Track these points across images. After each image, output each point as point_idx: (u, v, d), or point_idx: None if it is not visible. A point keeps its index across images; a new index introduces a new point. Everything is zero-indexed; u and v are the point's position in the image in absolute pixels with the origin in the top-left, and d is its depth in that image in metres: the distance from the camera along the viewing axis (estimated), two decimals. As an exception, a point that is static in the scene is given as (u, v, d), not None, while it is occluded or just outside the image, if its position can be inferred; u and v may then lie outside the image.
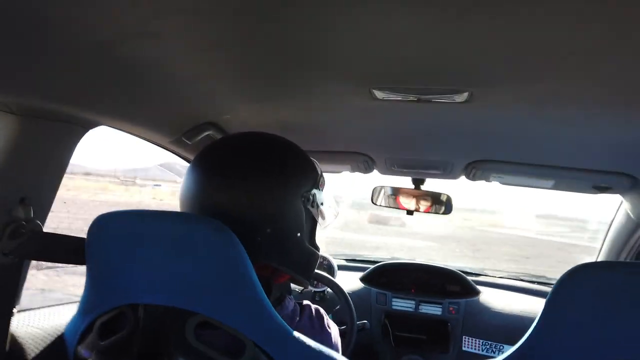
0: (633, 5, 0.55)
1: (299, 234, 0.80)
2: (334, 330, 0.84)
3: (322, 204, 0.85)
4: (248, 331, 0.68)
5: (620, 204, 1.71)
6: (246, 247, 0.69)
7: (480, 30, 0.66)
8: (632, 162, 1.31)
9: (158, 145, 1.31)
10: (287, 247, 0.79)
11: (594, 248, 1.98)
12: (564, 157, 1.41)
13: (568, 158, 1.41)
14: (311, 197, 0.82)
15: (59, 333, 0.97)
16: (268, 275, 0.81)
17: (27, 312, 0.98)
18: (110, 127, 1.08)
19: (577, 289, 0.70)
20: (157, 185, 27.89)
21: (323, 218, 0.86)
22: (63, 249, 0.88)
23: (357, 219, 18.07)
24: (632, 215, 1.60)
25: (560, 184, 1.58)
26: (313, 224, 0.86)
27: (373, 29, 0.69)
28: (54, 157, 0.98)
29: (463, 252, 13.12)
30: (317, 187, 0.84)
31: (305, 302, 0.85)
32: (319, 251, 0.88)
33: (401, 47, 0.75)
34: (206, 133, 1.28)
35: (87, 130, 1.02)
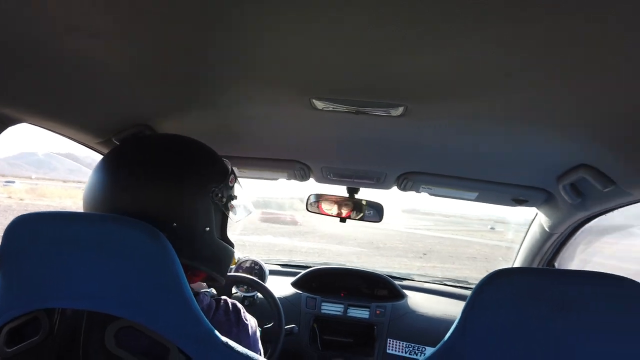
0: (550, 35, 0.60)
1: (207, 229, 0.81)
2: (251, 321, 0.84)
3: (232, 199, 0.86)
4: (173, 336, 0.66)
5: (536, 216, 1.85)
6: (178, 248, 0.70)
7: (416, 49, 0.69)
8: (547, 178, 1.43)
9: (86, 146, 1.24)
10: (196, 241, 0.80)
11: (470, 241, 2.12)
12: (488, 172, 1.50)
13: (491, 172, 1.51)
14: (220, 193, 0.83)
15: None
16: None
17: None
18: (33, 124, 1.00)
19: (494, 293, 0.76)
20: (9, 182, 23.77)
21: (234, 213, 0.88)
22: None
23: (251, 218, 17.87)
24: (545, 226, 1.74)
25: (483, 196, 1.68)
26: (224, 219, 0.87)
27: (312, 40, 0.70)
28: None
29: (364, 252, 13.18)
30: (227, 183, 0.85)
31: (223, 297, 0.84)
32: (233, 247, 0.89)
33: (340, 60, 0.77)
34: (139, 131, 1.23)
35: (6, 127, 0.94)
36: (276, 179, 1.76)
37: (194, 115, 1.20)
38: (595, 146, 1.07)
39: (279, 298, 1.82)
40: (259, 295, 1.97)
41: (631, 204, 1.35)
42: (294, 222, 18.23)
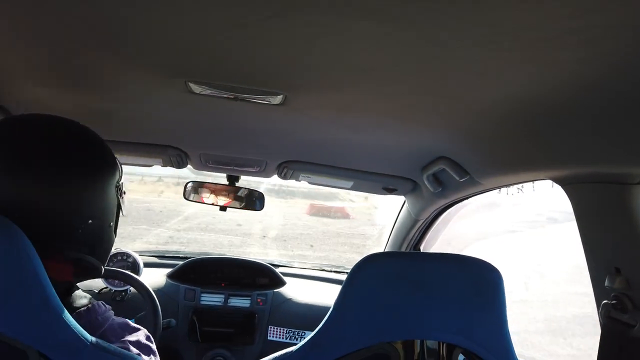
0: (407, 35, 0.65)
1: (111, 223, 0.81)
2: (142, 331, 0.80)
3: (125, 192, 0.86)
4: (32, 340, 0.60)
5: (404, 204, 2.00)
6: (64, 242, 0.69)
7: (292, 37, 0.70)
8: (413, 169, 1.55)
9: None
10: (104, 237, 0.79)
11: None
12: (361, 162, 1.59)
13: (364, 163, 1.60)
14: (122, 187, 0.83)
15: None
16: (70, 274, 0.75)
17: None
18: None
19: (364, 276, 0.83)
20: None
21: (124, 207, 0.87)
22: None
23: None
24: (411, 213, 1.89)
25: (358, 185, 1.78)
26: (118, 212, 0.85)
27: (186, 19, 0.67)
28: None
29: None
30: (121, 177, 0.84)
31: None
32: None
33: (216, 42, 0.75)
34: None
35: None
36: (151, 165, 1.68)
37: (54, 95, 1.09)
38: (453, 140, 1.19)
39: (155, 291, 1.74)
40: (132, 289, 1.86)
41: (482, 192, 1.53)
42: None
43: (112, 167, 0.79)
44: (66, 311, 0.63)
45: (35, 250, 0.62)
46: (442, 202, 1.69)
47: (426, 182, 1.53)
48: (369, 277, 0.83)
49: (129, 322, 0.80)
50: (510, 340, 0.85)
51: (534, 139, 0.98)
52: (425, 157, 1.41)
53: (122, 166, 0.86)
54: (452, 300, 0.82)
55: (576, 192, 1.02)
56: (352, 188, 1.80)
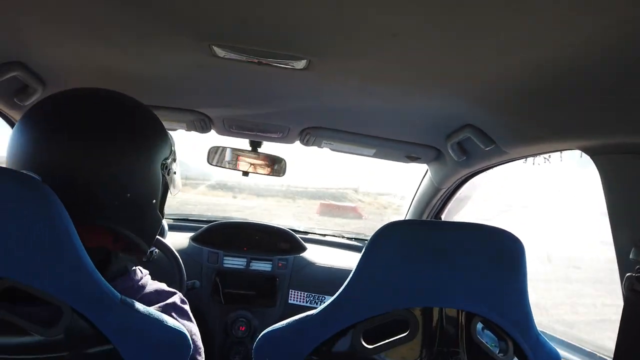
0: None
1: (154, 201, 0.80)
2: (177, 294, 0.83)
3: (175, 172, 0.86)
4: (64, 296, 0.63)
5: (426, 172, 1.98)
6: (97, 210, 0.71)
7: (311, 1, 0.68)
8: (437, 137, 1.53)
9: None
10: (143, 213, 0.79)
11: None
12: (384, 129, 1.58)
13: (387, 130, 1.58)
14: (169, 165, 0.82)
15: None
16: (108, 243, 0.78)
17: None
18: None
19: (386, 242, 0.83)
20: None
21: (174, 187, 0.88)
22: None
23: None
24: (434, 182, 1.88)
25: (380, 153, 1.76)
26: (165, 191, 0.86)
27: None
28: None
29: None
30: (174, 156, 0.85)
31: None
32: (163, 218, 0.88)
33: (240, 4, 0.74)
34: (12, 74, 1.10)
35: None
36: (175, 130, 1.69)
37: (75, 54, 1.09)
38: (479, 108, 1.17)
39: (179, 253, 1.78)
40: (157, 250, 1.91)
41: (508, 162, 1.51)
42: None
43: (157, 144, 0.79)
44: (97, 271, 0.65)
45: (67, 213, 0.63)
46: (466, 171, 1.67)
47: (450, 151, 1.51)
48: (390, 244, 0.83)
49: (164, 286, 0.83)
50: (530, 310, 0.85)
51: (563, 107, 0.95)
52: (450, 125, 1.39)
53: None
54: (474, 268, 0.82)
55: (605, 162, 0.99)
56: (375, 156, 1.79)
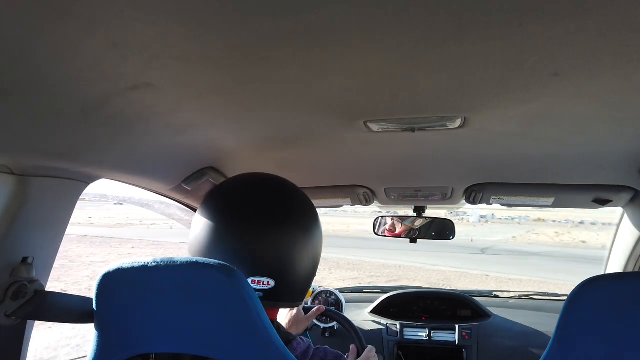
0: (616, 19, 0.57)
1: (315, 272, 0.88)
2: None
3: None
4: None
5: (623, 215, 1.70)
6: (275, 292, 0.77)
7: (467, 56, 0.67)
8: (629, 175, 1.32)
9: (158, 193, 1.31)
10: (306, 289, 0.86)
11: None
12: (562, 175, 1.41)
13: (564, 175, 1.42)
14: (322, 241, 0.90)
15: None
16: (274, 316, 0.85)
17: None
18: (110, 179, 1.08)
19: (591, 301, 0.70)
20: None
21: None
22: (66, 308, 0.87)
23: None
24: (635, 227, 1.60)
25: (560, 201, 1.58)
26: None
27: (361, 65, 0.70)
28: (55, 214, 0.98)
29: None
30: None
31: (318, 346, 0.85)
32: None
33: (389, 80, 0.76)
34: (205, 178, 1.28)
35: (87, 185, 1.02)
36: (341, 206, 1.76)
37: (255, 152, 1.24)
38: None
39: (358, 327, 1.78)
40: (337, 325, 1.94)
41: None
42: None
43: (316, 225, 0.86)
44: (285, 347, 0.69)
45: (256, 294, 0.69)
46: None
47: None
48: (594, 301, 0.70)
49: (341, 354, 0.83)
50: None
51: None
52: None
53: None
54: None
55: None
56: (554, 205, 1.60)
